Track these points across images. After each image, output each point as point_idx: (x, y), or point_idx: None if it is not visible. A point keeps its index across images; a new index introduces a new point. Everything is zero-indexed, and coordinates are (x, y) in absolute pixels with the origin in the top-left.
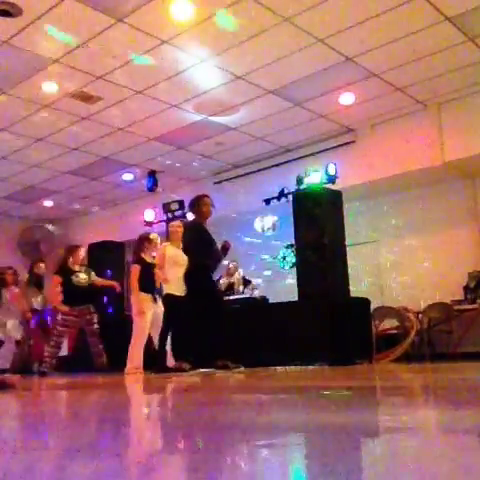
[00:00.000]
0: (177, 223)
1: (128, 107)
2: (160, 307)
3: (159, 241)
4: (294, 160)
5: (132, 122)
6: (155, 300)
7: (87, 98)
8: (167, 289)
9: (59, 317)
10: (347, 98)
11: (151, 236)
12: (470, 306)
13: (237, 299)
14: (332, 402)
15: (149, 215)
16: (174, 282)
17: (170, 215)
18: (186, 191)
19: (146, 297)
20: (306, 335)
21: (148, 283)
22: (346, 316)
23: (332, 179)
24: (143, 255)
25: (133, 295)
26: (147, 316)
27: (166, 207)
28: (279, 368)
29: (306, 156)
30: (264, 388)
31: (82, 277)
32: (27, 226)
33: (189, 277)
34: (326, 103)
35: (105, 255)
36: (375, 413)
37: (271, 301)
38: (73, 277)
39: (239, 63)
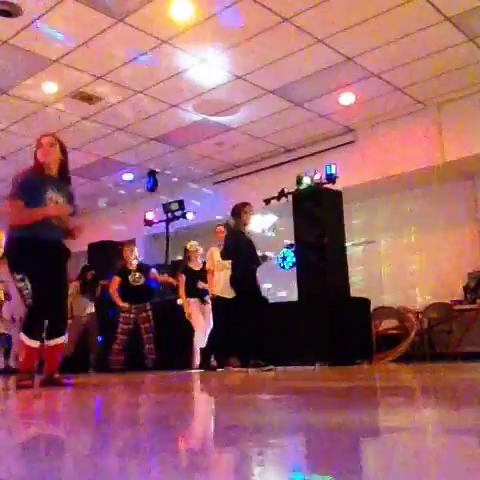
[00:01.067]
0: (221, 227)
1: (128, 107)
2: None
3: (199, 247)
4: (294, 160)
5: (132, 122)
6: (203, 302)
7: (87, 98)
8: (216, 292)
9: (120, 316)
10: (347, 98)
11: (188, 246)
12: (470, 306)
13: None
14: (332, 402)
15: (149, 215)
16: (222, 285)
17: (170, 215)
18: (186, 191)
19: (194, 301)
20: (306, 335)
21: (194, 289)
22: (346, 316)
23: (332, 179)
24: (190, 264)
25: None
26: (198, 318)
27: (166, 207)
28: (279, 368)
29: (306, 156)
30: (264, 388)
31: (137, 276)
32: None
33: (239, 281)
34: (326, 103)
35: (105, 255)
36: (375, 413)
37: (271, 301)
38: (130, 277)
39: (239, 63)
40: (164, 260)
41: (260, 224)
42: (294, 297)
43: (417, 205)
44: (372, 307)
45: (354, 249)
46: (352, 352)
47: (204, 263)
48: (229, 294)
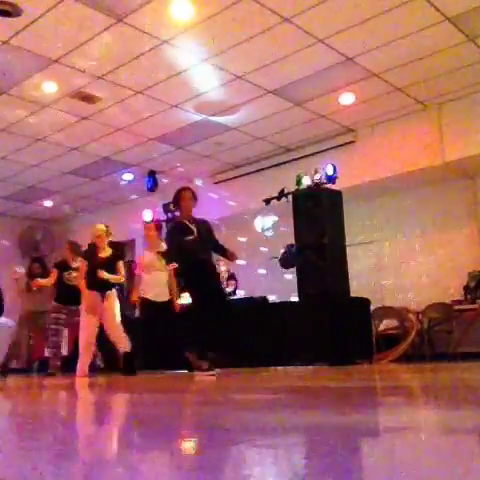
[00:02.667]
0: (148, 226)
1: (128, 107)
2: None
3: (105, 229)
4: (294, 160)
5: (132, 122)
6: (103, 296)
7: (87, 98)
8: (144, 294)
9: (51, 315)
10: (347, 98)
11: (93, 229)
12: (470, 306)
13: (237, 299)
14: (332, 402)
15: (149, 215)
16: (150, 287)
17: (170, 215)
18: None
19: (90, 294)
20: (306, 335)
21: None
22: (346, 316)
23: (332, 179)
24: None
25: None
26: (87, 315)
27: (166, 207)
28: (279, 368)
29: (306, 156)
30: (264, 388)
31: (73, 275)
32: (27, 226)
33: (184, 280)
34: (326, 103)
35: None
36: (375, 413)
37: (271, 301)
38: (65, 274)
39: (239, 63)
40: None
41: (260, 224)
42: (294, 297)
43: (417, 205)
44: (372, 307)
45: (354, 249)
46: (352, 352)
47: (113, 251)
48: (157, 297)
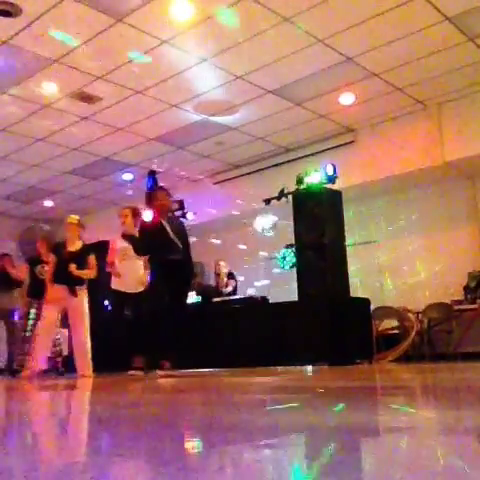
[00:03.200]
0: (124, 212)
1: (128, 107)
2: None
3: (78, 221)
4: (294, 160)
5: (132, 122)
6: (72, 291)
7: (87, 98)
8: (112, 284)
9: (22, 310)
10: (347, 98)
11: (67, 219)
12: (470, 306)
13: (237, 299)
14: (332, 402)
15: (149, 215)
16: (122, 277)
17: (170, 215)
18: (186, 191)
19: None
20: (306, 335)
21: (62, 273)
22: (346, 316)
23: (332, 179)
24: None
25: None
26: (48, 309)
27: None
28: (279, 368)
29: (306, 156)
30: (263, 388)
31: (46, 269)
32: (27, 226)
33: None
34: (326, 103)
35: (105, 255)
36: (375, 413)
37: (271, 301)
38: (37, 267)
39: (239, 63)
40: None
41: (260, 224)
42: (294, 297)
43: (417, 205)
44: (372, 307)
45: (354, 249)
46: (352, 352)
47: (85, 245)
48: (126, 287)
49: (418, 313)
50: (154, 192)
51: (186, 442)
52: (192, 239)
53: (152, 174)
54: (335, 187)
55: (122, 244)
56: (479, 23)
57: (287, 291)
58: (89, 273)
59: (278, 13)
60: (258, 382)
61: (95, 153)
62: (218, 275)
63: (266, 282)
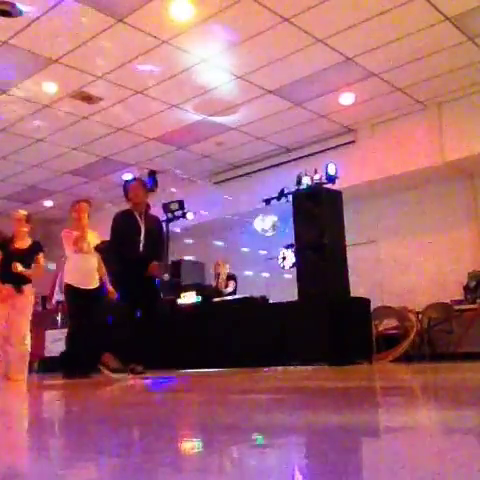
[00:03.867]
0: (81, 207)
1: (128, 107)
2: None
3: (22, 216)
4: (294, 160)
5: (132, 122)
6: (18, 290)
7: (87, 98)
8: (66, 279)
9: None
10: (347, 98)
11: (14, 214)
12: (470, 306)
13: (237, 299)
14: (332, 402)
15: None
16: (75, 271)
17: (170, 215)
18: (186, 191)
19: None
20: (306, 335)
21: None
22: (346, 316)
23: (332, 179)
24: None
25: None
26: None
27: (166, 207)
28: (279, 368)
29: (306, 156)
30: (263, 388)
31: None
32: None
33: (112, 276)
34: (326, 103)
35: (104, 255)
36: (375, 413)
37: (271, 301)
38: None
39: (239, 63)
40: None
41: (260, 224)
42: (294, 297)
43: (417, 205)
44: (372, 307)
45: (354, 249)
46: (352, 352)
47: (34, 242)
48: (80, 283)
49: (418, 313)
50: (128, 184)
51: (184, 442)
52: (192, 239)
53: (152, 174)
54: (335, 187)
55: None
56: (479, 23)
57: (287, 291)
58: (35, 272)
59: (278, 13)
60: (258, 382)
61: (95, 153)
62: (218, 275)
63: (266, 282)
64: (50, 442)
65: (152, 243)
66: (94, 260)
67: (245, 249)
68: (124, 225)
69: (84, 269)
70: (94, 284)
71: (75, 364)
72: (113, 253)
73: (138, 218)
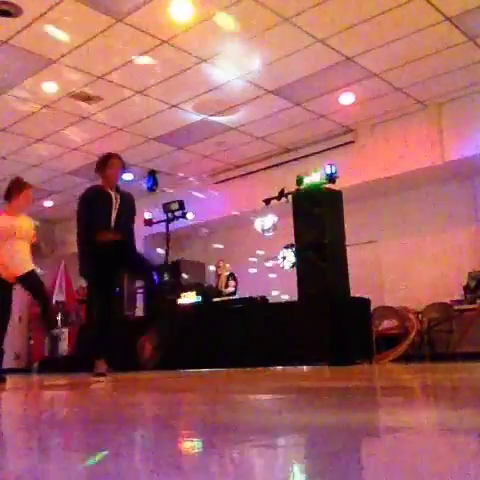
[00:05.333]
0: (16, 180)
1: (128, 107)
2: None
3: None
4: (294, 160)
5: (132, 122)
6: None
7: (87, 98)
8: None
9: None
10: (347, 98)
11: None
12: (470, 306)
13: (237, 299)
14: (332, 402)
15: (149, 215)
16: (6, 260)
17: (170, 215)
18: (186, 191)
19: None
20: (306, 335)
21: None
22: (346, 316)
23: (332, 179)
24: None
25: None
26: None
27: (166, 207)
28: (279, 368)
29: (306, 156)
30: (263, 388)
31: None
32: None
33: (79, 258)
34: (326, 103)
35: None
36: (375, 413)
37: (271, 301)
38: None
39: (238, 63)
40: (164, 260)
41: (260, 224)
42: (294, 297)
43: (417, 205)
44: (372, 307)
45: (354, 249)
46: (352, 352)
47: None
48: (15, 271)
49: (418, 313)
50: (112, 158)
51: (184, 442)
52: (192, 239)
53: (152, 174)
54: (335, 187)
55: (4, 223)
56: (479, 23)
57: (287, 291)
58: None
59: (278, 13)
60: (258, 382)
61: (95, 153)
62: (218, 276)
63: (266, 282)
64: (50, 442)
65: (127, 221)
66: (24, 246)
67: (245, 249)
68: (98, 203)
69: (14, 257)
70: (26, 268)
71: None
72: (85, 235)
73: (112, 194)
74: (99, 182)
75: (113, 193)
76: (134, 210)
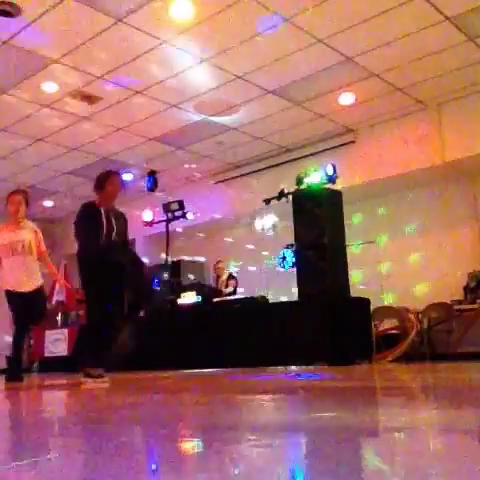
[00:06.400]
0: (16, 199)
1: (128, 107)
2: None
3: None
4: (294, 160)
5: (132, 122)
6: None
7: (87, 98)
8: (3, 285)
9: None
10: (347, 98)
11: None
12: (470, 306)
13: (237, 299)
14: (332, 402)
15: (149, 215)
16: (10, 275)
17: (170, 215)
18: (186, 191)
19: None
20: (306, 335)
21: None
22: (346, 316)
23: (332, 179)
24: None
25: None
26: None
27: (166, 207)
28: (279, 368)
29: (306, 156)
30: (264, 388)
31: None
32: None
33: (80, 271)
34: (326, 103)
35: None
36: (375, 413)
37: (271, 301)
38: None
39: (239, 63)
40: (164, 260)
41: (260, 224)
42: (294, 297)
43: (417, 205)
44: (372, 307)
45: (354, 249)
46: (352, 352)
47: None
48: (20, 287)
49: (418, 313)
50: (114, 176)
51: (184, 442)
52: (192, 239)
53: (152, 174)
54: (335, 187)
55: (11, 238)
56: (479, 23)
57: (287, 291)
58: None
59: (278, 13)
60: (258, 382)
61: (95, 153)
62: (218, 276)
63: (266, 282)
64: (50, 442)
65: (122, 240)
66: (31, 259)
67: (245, 249)
68: (95, 221)
69: (19, 271)
70: (33, 285)
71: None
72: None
73: (108, 214)
74: (96, 199)
75: (111, 211)
76: (126, 232)
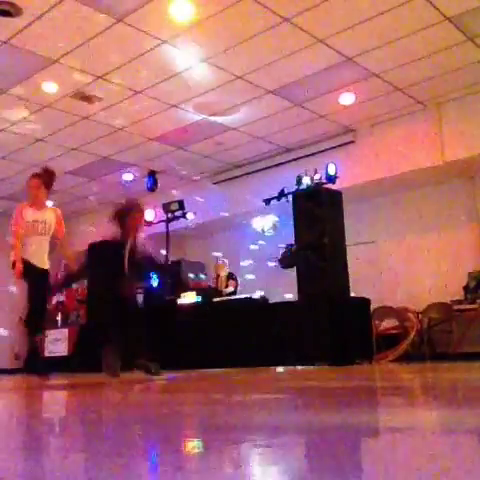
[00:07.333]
0: (36, 183)
1: (128, 107)
2: None
3: None
4: (294, 160)
5: (132, 122)
6: None
7: (87, 98)
8: (25, 255)
9: None
10: (347, 98)
11: None
12: (470, 306)
13: (237, 299)
14: (332, 402)
15: (149, 215)
16: (32, 251)
17: (170, 215)
18: (186, 191)
19: None
20: (306, 335)
21: None
22: (346, 316)
23: (332, 179)
24: None
25: None
26: None
27: (166, 207)
28: (279, 368)
29: (306, 156)
30: (264, 388)
31: None
32: None
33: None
34: (326, 103)
35: (105, 255)
36: (375, 413)
37: (271, 301)
38: None
39: (239, 63)
40: (164, 260)
41: (260, 224)
42: (294, 297)
43: (417, 205)
44: (372, 307)
45: (354, 249)
46: (352, 352)
47: None
48: (38, 262)
49: (418, 313)
50: (132, 209)
51: (185, 442)
52: (192, 239)
53: (152, 174)
54: (335, 187)
55: (36, 217)
56: (479, 23)
57: (287, 291)
58: None
59: (278, 13)
60: (258, 382)
61: (95, 153)
62: (218, 276)
63: (266, 282)
64: (50, 442)
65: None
66: (46, 242)
67: (245, 249)
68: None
69: (37, 250)
70: (45, 265)
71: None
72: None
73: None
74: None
75: (128, 243)
76: (142, 264)
